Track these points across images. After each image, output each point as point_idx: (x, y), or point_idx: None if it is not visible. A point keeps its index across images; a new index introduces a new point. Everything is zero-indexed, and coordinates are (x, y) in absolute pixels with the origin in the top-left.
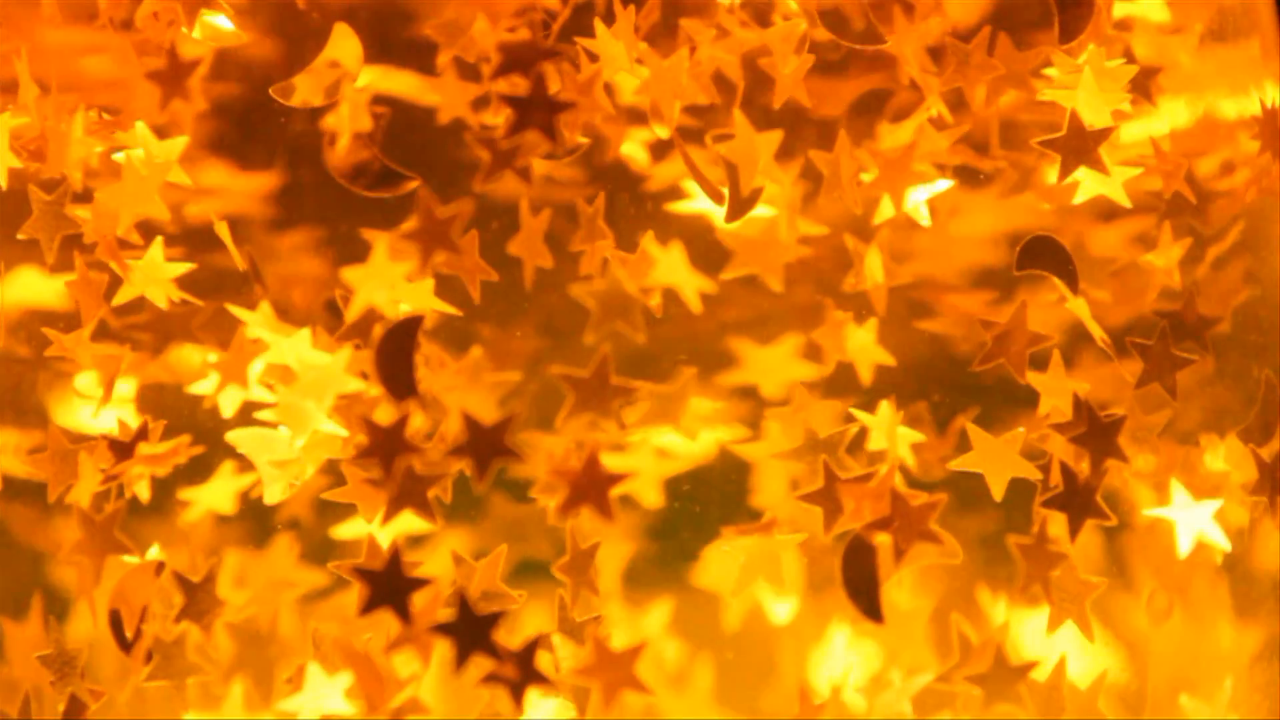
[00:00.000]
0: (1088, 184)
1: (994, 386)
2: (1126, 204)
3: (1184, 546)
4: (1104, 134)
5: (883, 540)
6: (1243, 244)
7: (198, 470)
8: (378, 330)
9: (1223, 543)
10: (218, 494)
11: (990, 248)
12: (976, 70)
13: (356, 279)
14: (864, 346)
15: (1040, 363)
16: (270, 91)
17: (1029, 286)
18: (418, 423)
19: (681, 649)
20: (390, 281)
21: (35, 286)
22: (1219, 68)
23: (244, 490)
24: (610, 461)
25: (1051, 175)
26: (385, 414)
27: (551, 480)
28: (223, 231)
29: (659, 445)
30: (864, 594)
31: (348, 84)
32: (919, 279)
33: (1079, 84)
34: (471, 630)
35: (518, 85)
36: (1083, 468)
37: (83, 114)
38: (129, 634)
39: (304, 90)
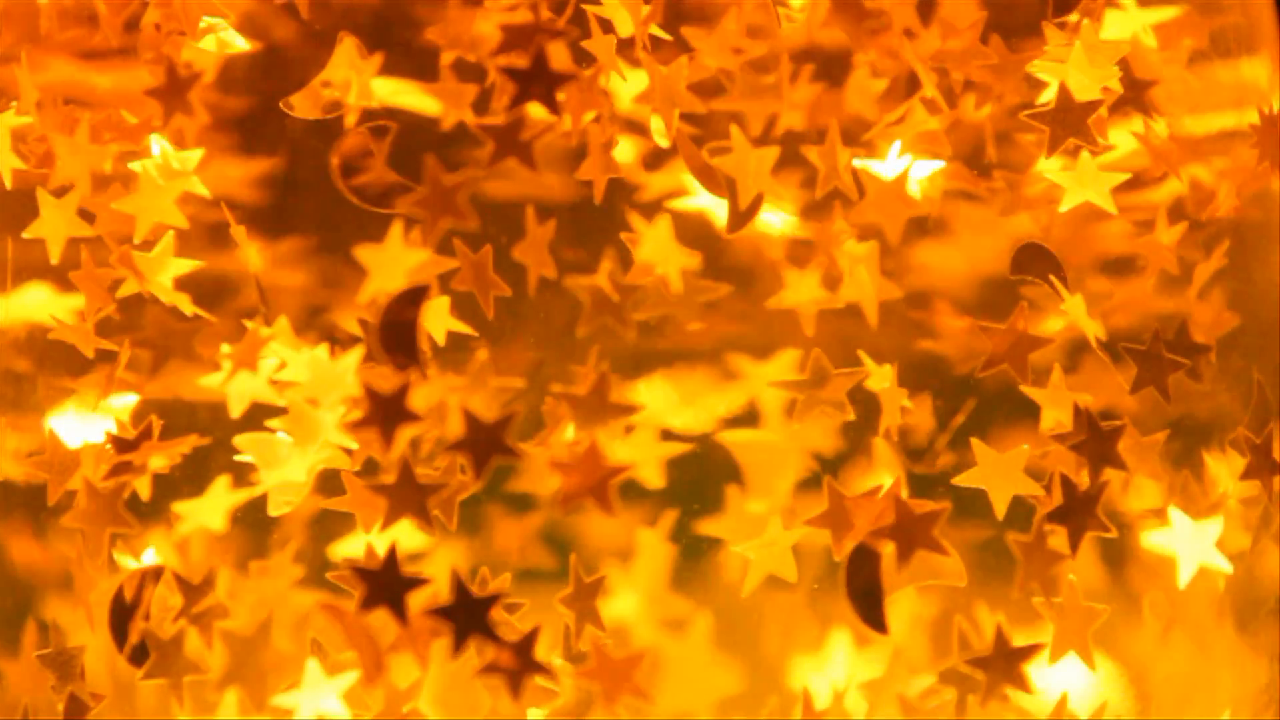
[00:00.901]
0: (1073, 191)
1: (995, 393)
2: (1112, 210)
3: (1185, 576)
4: (1093, 106)
5: (887, 549)
6: (1239, 248)
7: (191, 483)
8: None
9: (1224, 566)
10: (210, 510)
11: (988, 268)
12: (966, 53)
13: (369, 259)
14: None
15: (1041, 376)
16: (281, 105)
17: (1027, 296)
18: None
19: (682, 603)
20: (403, 265)
21: (44, 304)
22: (1213, 84)
23: (236, 508)
24: (612, 446)
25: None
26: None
27: (551, 472)
28: (240, 237)
29: (661, 425)
30: (868, 604)
31: (355, 92)
32: (917, 296)
33: (1069, 57)
34: (469, 613)
35: (519, 59)
36: (1083, 478)
37: (88, 122)
38: (127, 596)
39: (305, 107)
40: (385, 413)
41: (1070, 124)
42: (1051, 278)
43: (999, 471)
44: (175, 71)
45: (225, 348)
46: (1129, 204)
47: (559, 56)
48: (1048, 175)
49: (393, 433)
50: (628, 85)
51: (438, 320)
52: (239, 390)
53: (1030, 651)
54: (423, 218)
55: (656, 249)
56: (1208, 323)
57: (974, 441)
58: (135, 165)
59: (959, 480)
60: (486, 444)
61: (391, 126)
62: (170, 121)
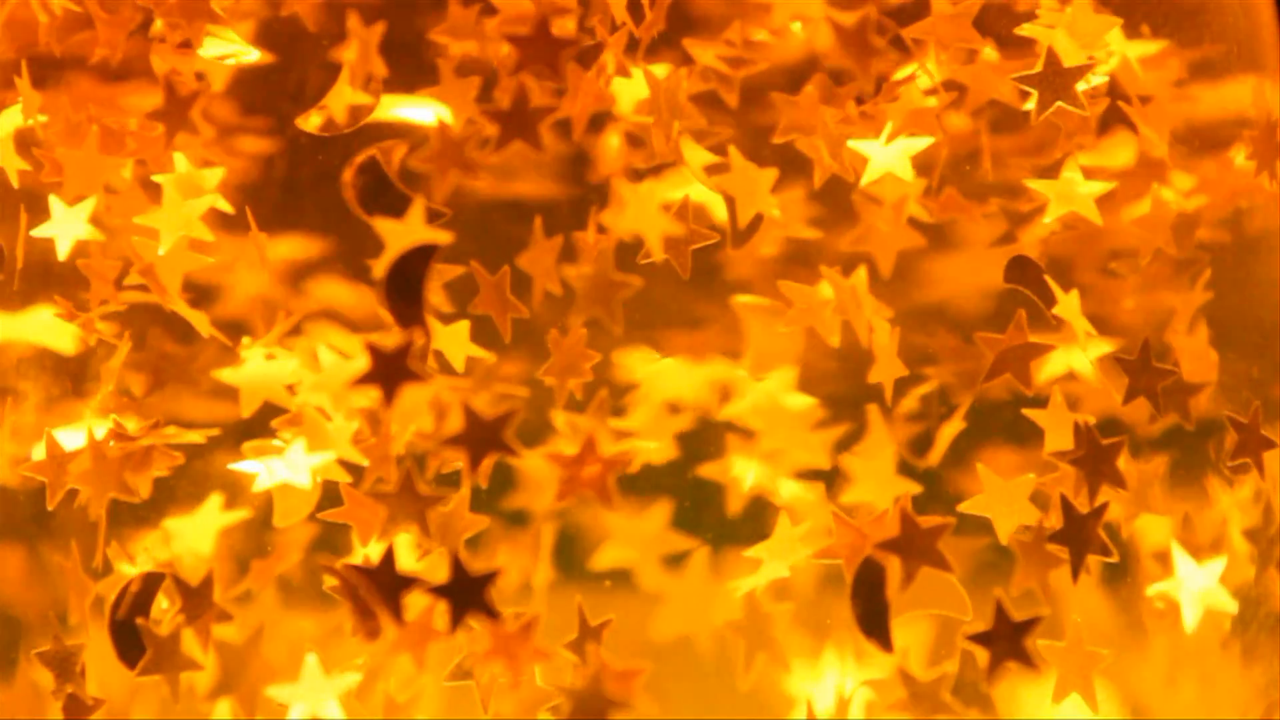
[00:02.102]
0: (1057, 202)
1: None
2: (1098, 221)
3: (1189, 620)
4: (1081, 71)
5: (893, 563)
6: (1237, 253)
7: (185, 502)
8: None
9: (1230, 607)
10: (200, 529)
11: (986, 283)
12: (956, 33)
13: (389, 232)
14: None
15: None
16: (295, 122)
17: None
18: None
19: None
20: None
21: (49, 328)
22: (1203, 104)
23: (226, 528)
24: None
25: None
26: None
27: (550, 468)
28: (258, 242)
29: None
30: (874, 622)
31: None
32: (916, 315)
33: (1059, 23)
34: (465, 590)
35: (521, 28)
36: (1083, 496)
37: (96, 134)
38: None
39: (310, 123)
40: (387, 370)
41: (1058, 87)
42: (1046, 278)
43: (1003, 499)
44: (175, 91)
45: (246, 340)
46: (1122, 212)
47: (563, 27)
48: (1032, 187)
49: (394, 391)
50: (629, 86)
51: (456, 345)
52: (252, 386)
53: (1032, 625)
54: (431, 171)
55: (639, 216)
56: (1196, 361)
57: (979, 467)
58: (158, 178)
59: (964, 507)
60: (484, 440)
61: (402, 145)
62: (174, 141)
